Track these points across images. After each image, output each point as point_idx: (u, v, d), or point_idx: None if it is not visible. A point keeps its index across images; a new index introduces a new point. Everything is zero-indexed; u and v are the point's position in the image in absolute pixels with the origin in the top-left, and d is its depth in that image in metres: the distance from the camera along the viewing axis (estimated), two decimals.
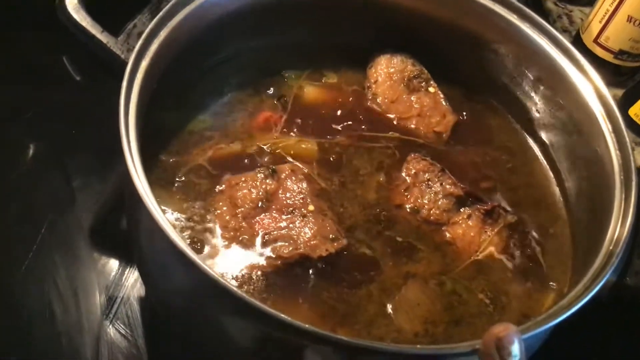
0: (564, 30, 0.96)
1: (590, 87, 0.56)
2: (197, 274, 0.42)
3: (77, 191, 0.68)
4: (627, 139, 0.51)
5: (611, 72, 0.88)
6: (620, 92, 0.87)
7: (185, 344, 0.57)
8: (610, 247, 0.45)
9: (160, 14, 0.51)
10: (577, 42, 0.89)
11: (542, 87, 0.62)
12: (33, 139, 0.74)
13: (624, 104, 0.85)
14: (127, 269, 0.63)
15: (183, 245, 0.42)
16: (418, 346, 0.44)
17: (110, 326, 0.60)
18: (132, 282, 0.62)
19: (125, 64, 0.49)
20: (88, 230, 0.65)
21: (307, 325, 0.41)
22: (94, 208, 0.67)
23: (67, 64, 0.82)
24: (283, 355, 0.46)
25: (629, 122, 0.84)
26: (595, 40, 0.86)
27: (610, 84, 0.88)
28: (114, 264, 0.63)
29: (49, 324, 0.59)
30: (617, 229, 0.46)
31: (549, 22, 0.97)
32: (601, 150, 0.53)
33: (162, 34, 0.52)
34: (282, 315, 0.41)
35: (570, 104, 0.58)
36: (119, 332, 0.59)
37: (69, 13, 0.52)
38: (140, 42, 0.49)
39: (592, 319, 0.49)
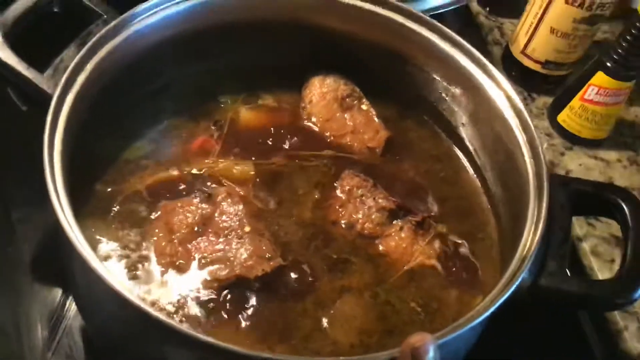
0: (495, 43, 1.00)
1: (506, 101, 0.59)
2: (129, 309, 0.43)
3: (16, 223, 0.67)
4: (540, 149, 0.54)
5: (540, 81, 0.92)
6: (549, 100, 0.92)
7: None
8: (524, 252, 0.48)
9: (85, 47, 0.52)
10: (507, 53, 0.93)
11: (465, 103, 0.65)
12: None
13: (553, 112, 0.89)
14: (69, 300, 0.64)
15: (112, 281, 0.43)
16: (341, 358, 0.45)
17: (53, 358, 0.60)
18: (74, 313, 0.63)
19: (50, 99, 0.50)
20: (29, 262, 0.65)
21: (239, 349, 0.42)
22: (34, 240, 0.67)
23: (12, 94, 0.82)
24: None
25: (558, 128, 0.88)
26: (523, 52, 0.90)
27: (540, 92, 0.93)
28: (55, 294, 0.64)
29: None
30: (530, 234, 0.49)
31: (480, 36, 1.02)
32: (518, 159, 0.55)
33: (89, 67, 0.53)
34: (215, 341, 0.42)
35: (490, 118, 0.61)
36: None
37: None
38: (65, 76, 0.50)
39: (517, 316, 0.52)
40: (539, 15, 0.85)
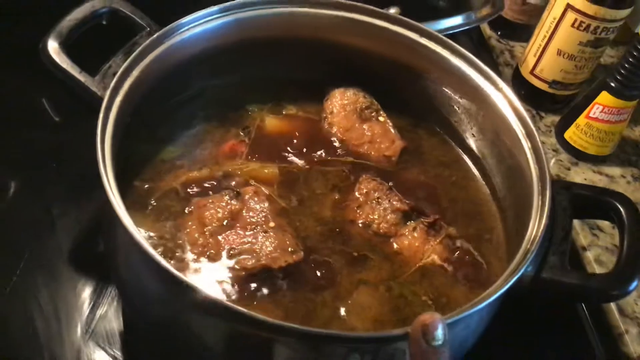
0: (506, 64, 1.05)
1: (511, 111, 0.64)
2: (169, 279, 0.48)
3: (56, 219, 0.73)
4: (543, 155, 0.58)
5: (548, 101, 0.97)
6: (557, 118, 0.97)
7: (163, 353, 0.62)
8: (528, 246, 0.52)
9: (132, 56, 0.58)
10: (517, 74, 0.99)
11: (474, 114, 0.69)
12: (14, 177, 0.79)
13: (560, 129, 0.94)
14: (105, 288, 0.68)
15: (155, 253, 0.48)
16: (359, 333, 0.50)
17: (90, 340, 0.64)
18: (109, 300, 0.67)
19: (101, 100, 0.56)
20: (67, 253, 0.70)
21: (274, 320, 0.47)
22: (72, 233, 0.72)
23: (47, 106, 0.88)
24: (253, 352, 0.51)
25: (565, 144, 0.93)
26: (532, 72, 0.95)
27: (548, 111, 0.98)
28: (92, 283, 0.68)
29: (32, 339, 0.63)
30: (534, 231, 0.53)
31: (492, 58, 1.07)
32: (523, 164, 0.60)
33: (134, 73, 0.59)
34: (252, 312, 0.47)
35: (498, 128, 0.66)
36: (99, 345, 0.64)
37: (51, 56, 0.59)
38: (114, 80, 0.56)
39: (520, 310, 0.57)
40: (547, 38, 0.91)
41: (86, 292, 0.68)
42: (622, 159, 0.94)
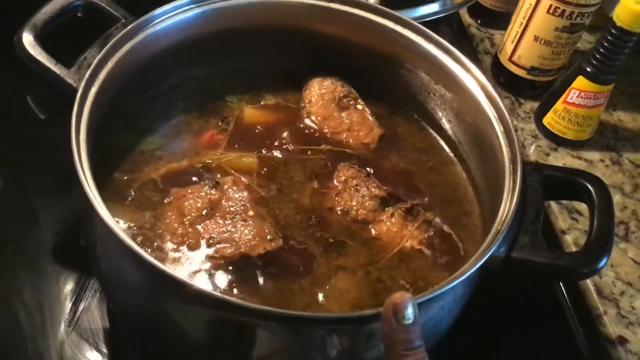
0: (485, 52, 1.06)
1: (484, 95, 0.64)
2: (147, 269, 0.49)
3: (39, 212, 0.73)
4: (515, 137, 0.59)
5: (528, 87, 0.98)
6: (536, 104, 0.97)
7: (146, 344, 0.63)
8: (499, 227, 0.53)
9: (106, 47, 0.59)
10: (496, 61, 0.99)
11: (448, 100, 0.70)
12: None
13: (539, 115, 0.95)
14: (88, 281, 0.69)
15: (131, 241, 0.49)
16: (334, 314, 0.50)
17: (74, 332, 0.65)
18: (92, 293, 0.68)
19: (77, 91, 0.56)
20: (50, 246, 0.70)
21: (254, 305, 0.48)
22: (55, 227, 0.72)
23: (31, 103, 0.88)
24: (234, 339, 0.52)
25: (544, 130, 0.94)
26: (510, 59, 0.96)
27: (527, 97, 0.99)
28: (74, 277, 0.69)
29: (15, 332, 0.64)
30: (505, 211, 0.54)
31: (472, 46, 1.08)
32: (496, 148, 0.61)
33: (109, 65, 0.59)
34: (231, 298, 0.48)
35: (472, 113, 0.66)
36: (82, 337, 0.65)
37: (25, 48, 0.59)
38: (88, 71, 0.56)
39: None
40: (523, 24, 0.91)
41: (69, 286, 0.69)
42: (601, 144, 0.95)
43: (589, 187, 0.57)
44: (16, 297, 0.66)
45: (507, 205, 0.54)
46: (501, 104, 0.62)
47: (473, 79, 0.66)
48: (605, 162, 0.92)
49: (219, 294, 0.47)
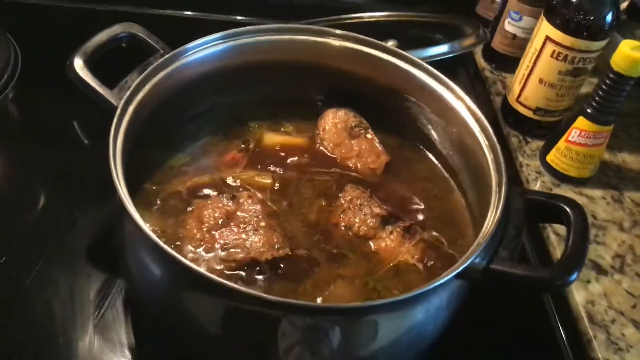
0: (497, 94, 1.13)
1: (478, 126, 0.71)
2: (172, 264, 0.56)
3: (77, 220, 0.82)
4: (503, 165, 0.65)
5: (534, 127, 1.03)
6: (542, 143, 1.03)
7: (163, 336, 0.70)
8: (480, 240, 0.59)
9: (145, 73, 0.68)
10: (505, 102, 1.06)
11: (448, 131, 0.77)
12: (45, 186, 0.89)
13: (543, 152, 1.00)
14: (114, 282, 0.77)
15: (159, 240, 0.56)
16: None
17: (99, 324, 0.72)
18: (118, 291, 0.76)
19: (115, 109, 0.65)
20: (84, 249, 0.79)
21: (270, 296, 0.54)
22: (89, 233, 0.81)
23: (77, 128, 0.99)
24: (248, 329, 0.58)
25: (547, 166, 0.98)
26: (517, 100, 1.02)
27: (534, 136, 1.04)
28: (102, 277, 0.77)
29: (49, 320, 0.72)
30: (487, 226, 0.60)
31: (485, 88, 1.15)
32: (487, 176, 0.67)
33: (146, 88, 0.68)
34: (244, 288, 0.54)
35: (467, 144, 0.73)
36: (107, 330, 0.72)
37: (76, 71, 0.69)
38: (127, 92, 0.66)
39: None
40: (529, 68, 0.98)
41: (97, 284, 0.76)
42: (604, 182, 0.99)
43: (568, 210, 0.62)
44: (52, 290, 0.75)
45: (490, 221, 0.60)
46: (492, 133, 0.68)
47: (468, 111, 0.73)
48: (607, 200, 0.96)
49: (232, 284, 0.54)
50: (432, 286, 0.54)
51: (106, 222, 0.83)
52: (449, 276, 0.55)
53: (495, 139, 0.68)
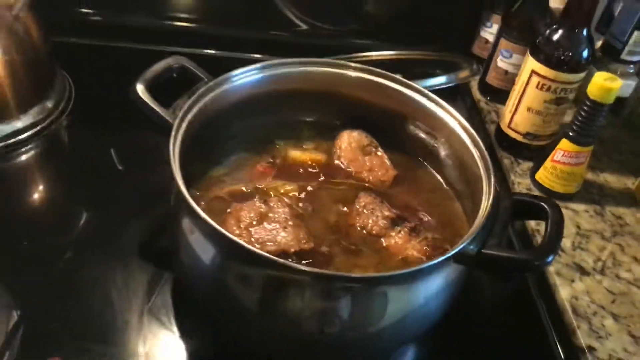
0: (492, 122, 1.27)
1: (471, 142, 0.84)
2: (224, 240, 0.68)
3: (132, 219, 0.96)
4: (492, 175, 0.78)
5: (524, 150, 1.17)
6: (531, 164, 1.16)
7: (208, 319, 0.82)
8: (473, 230, 0.71)
9: (193, 97, 0.82)
10: (498, 128, 1.20)
11: (447, 148, 0.91)
12: (89, 203, 1.02)
13: (532, 172, 1.13)
14: (162, 275, 0.89)
15: (213, 222, 0.69)
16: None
17: (151, 311, 0.85)
18: (165, 282, 0.88)
19: (172, 125, 0.79)
20: (138, 245, 0.92)
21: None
22: (142, 230, 0.94)
23: (114, 156, 1.12)
24: (288, 298, 0.68)
25: (536, 184, 1.11)
26: (509, 126, 1.16)
27: (524, 158, 1.18)
28: (153, 270, 0.89)
29: (108, 305, 0.84)
30: (479, 219, 0.72)
31: (481, 117, 1.29)
32: (480, 183, 0.80)
33: (195, 109, 0.82)
34: (284, 261, 0.66)
35: (462, 158, 0.86)
36: (157, 312, 0.84)
37: (138, 94, 0.83)
38: (180, 113, 0.80)
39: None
40: (518, 98, 1.12)
41: (148, 276, 0.89)
42: (587, 198, 1.12)
43: (547, 208, 0.75)
44: (110, 281, 0.87)
45: (482, 215, 0.73)
46: (483, 148, 0.82)
47: (462, 128, 0.87)
48: (590, 213, 1.09)
49: (272, 256, 0.66)
50: (432, 263, 0.66)
51: (152, 225, 0.97)
52: (447, 255, 0.67)
53: (484, 149, 0.81)
